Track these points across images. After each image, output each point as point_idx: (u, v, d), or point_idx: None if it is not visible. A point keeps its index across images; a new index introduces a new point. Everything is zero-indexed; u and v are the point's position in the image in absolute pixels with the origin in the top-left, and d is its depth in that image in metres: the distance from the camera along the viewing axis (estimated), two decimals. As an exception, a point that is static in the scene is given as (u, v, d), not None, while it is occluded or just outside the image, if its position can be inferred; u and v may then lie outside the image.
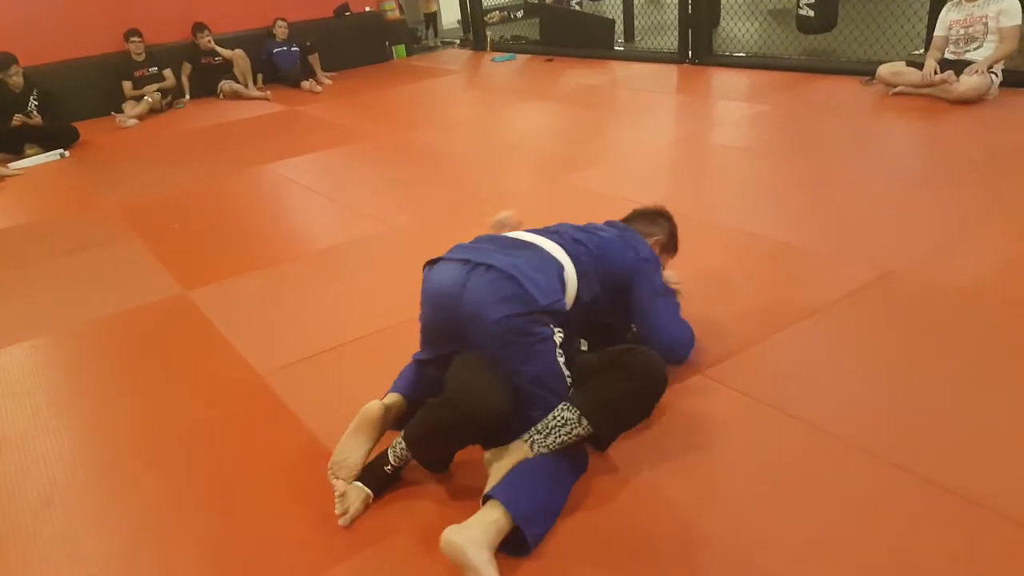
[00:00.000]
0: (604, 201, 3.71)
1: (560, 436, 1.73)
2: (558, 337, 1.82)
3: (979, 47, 4.70)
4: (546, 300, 1.82)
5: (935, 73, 4.74)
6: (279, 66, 7.99)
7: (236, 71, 7.75)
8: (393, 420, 1.96)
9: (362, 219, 3.85)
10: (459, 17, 10.34)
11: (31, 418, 2.40)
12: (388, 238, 3.57)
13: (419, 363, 2.03)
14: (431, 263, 2.01)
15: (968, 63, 4.69)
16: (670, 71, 6.70)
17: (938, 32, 4.91)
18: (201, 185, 4.83)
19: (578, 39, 7.60)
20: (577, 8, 8.43)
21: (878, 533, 1.61)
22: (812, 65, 6.08)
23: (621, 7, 8.04)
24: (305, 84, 7.71)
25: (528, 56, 7.97)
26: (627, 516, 1.72)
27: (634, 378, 1.75)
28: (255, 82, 7.92)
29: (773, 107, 5.19)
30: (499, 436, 1.78)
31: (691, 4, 6.60)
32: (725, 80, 6.21)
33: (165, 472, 2.07)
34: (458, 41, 9.65)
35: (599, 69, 7.15)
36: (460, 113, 6.29)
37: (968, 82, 4.57)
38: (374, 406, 1.91)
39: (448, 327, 1.87)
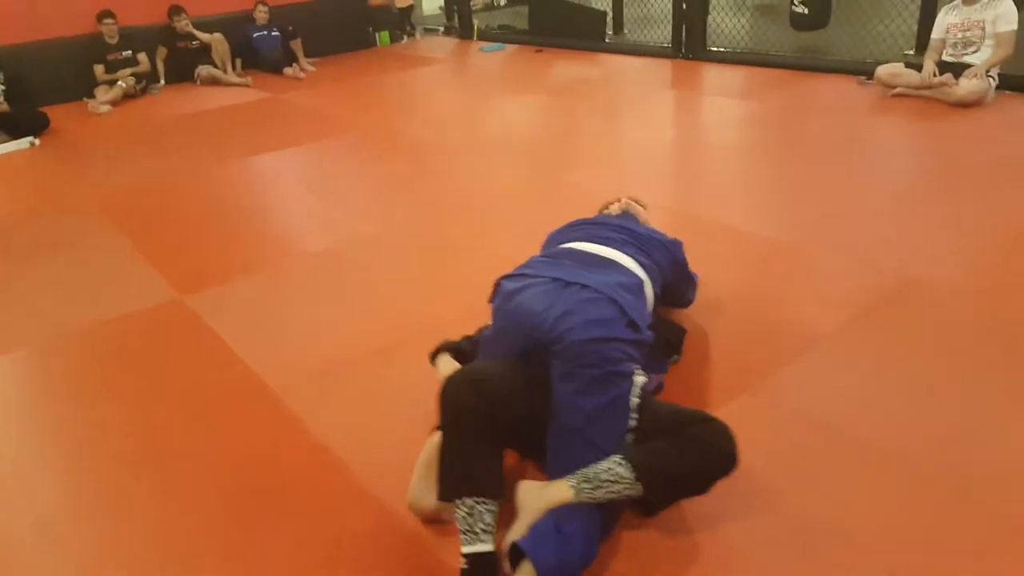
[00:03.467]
0: (601, 200, 3.63)
1: (609, 492, 1.60)
2: (639, 378, 1.73)
3: (976, 51, 4.70)
4: (637, 328, 1.76)
5: (934, 75, 4.73)
6: (260, 51, 7.76)
7: (214, 56, 7.50)
8: None
9: (357, 218, 3.73)
10: (441, 3, 10.16)
11: (17, 446, 2.26)
12: (387, 239, 3.45)
13: None
14: (508, 278, 1.95)
15: (966, 66, 4.68)
16: (663, 65, 6.62)
17: (935, 35, 4.90)
18: (183, 177, 4.64)
19: (568, 30, 7.49)
20: (566, -2, 8.28)
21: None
22: (806, 63, 6.04)
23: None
24: (288, 70, 7.49)
25: (517, 46, 7.83)
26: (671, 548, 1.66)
27: (705, 453, 1.61)
28: (234, 68, 7.68)
29: (772, 105, 5.14)
30: (518, 433, 1.72)
31: (684, -2, 6.54)
32: (720, 76, 6.15)
33: (178, 492, 1.95)
34: (442, 29, 9.47)
35: (591, 61, 7.05)
36: (450, 104, 6.15)
37: (967, 85, 4.57)
38: (438, 440, 1.78)
39: (525, 343, 1.77)
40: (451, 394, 1.66)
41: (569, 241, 2.16)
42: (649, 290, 2.03)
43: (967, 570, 1.57)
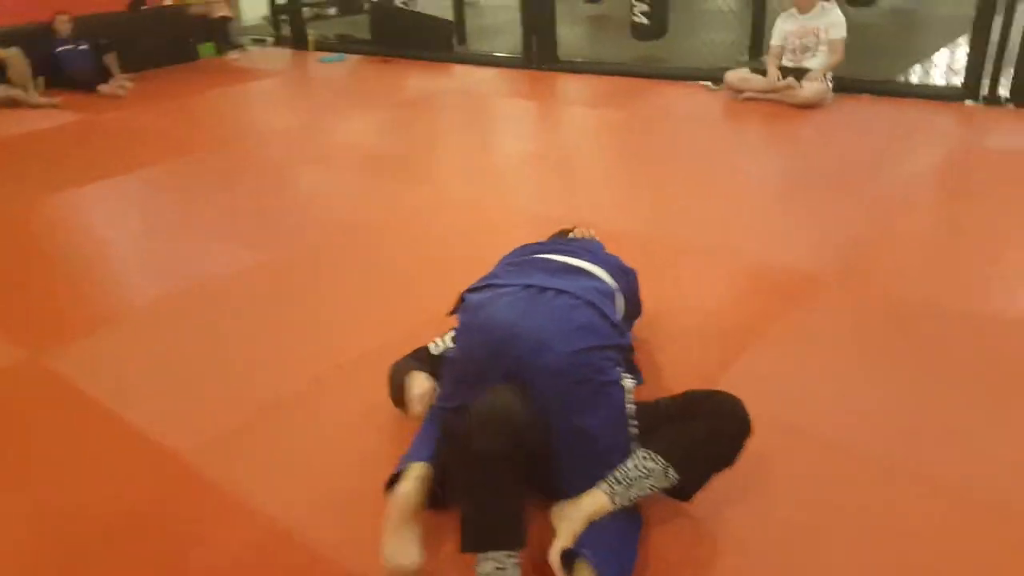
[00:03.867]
0: (469, 214, 3.57)
1: (644, 488, 1.55)
2: (628, 382, 1.65)
3: (813, 56, 5.06)
4: (621, 332, 1.69)
5: (779, 80, 5.05)
6: (65, 67, 6.87)
7: (11, 74, 6.54)
8: (428, 496, 1.63)
9: (221, 250, 3.32)
10: (266, 13, 9.57)
11: None
12: (260, 271, 3.09)
13: (444, 412, 1.74)
14: (474, 290, 1.78)
15: (805, 70, 5.03)
16: (516, 75, 6.60)
17: (775, 41, 5.23)
18: (-2, 215, 3.96)
19: (414, 40, 7.28)
20: (402, 6, 8.05)
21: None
22: (655, 71, 6.24)
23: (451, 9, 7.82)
24: (104, 87, 6.68)
25: (359, 57, 7.51)
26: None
27: (721, 424, 1.59)
28: (36, 87, 6.75)
29: (631, 112, 5.26)
30: (544, 475, 1.59)
31: (527, 7, 6.56)
32: (574, 85, 6.22)
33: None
34: (268, 39, 8.91)
35: (442, 72, 6.90)
36: (297, 119, 5.73)
37: (810, 88, 4.91)
38: (408, 489, 1.58)
39: (502, 363, 1.61)
40: (480, 437, 1.46)
41: (532, 255, 2.01)
42: (620, 301, 1.94)
43: (942, 558, 1.59)
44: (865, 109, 4.93)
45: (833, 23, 4.98)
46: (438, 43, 7.25)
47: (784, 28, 5.18)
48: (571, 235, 2.42)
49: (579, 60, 6.67)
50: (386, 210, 3.69)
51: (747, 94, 5.23)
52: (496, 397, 1.51)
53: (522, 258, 2.01)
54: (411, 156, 4.65)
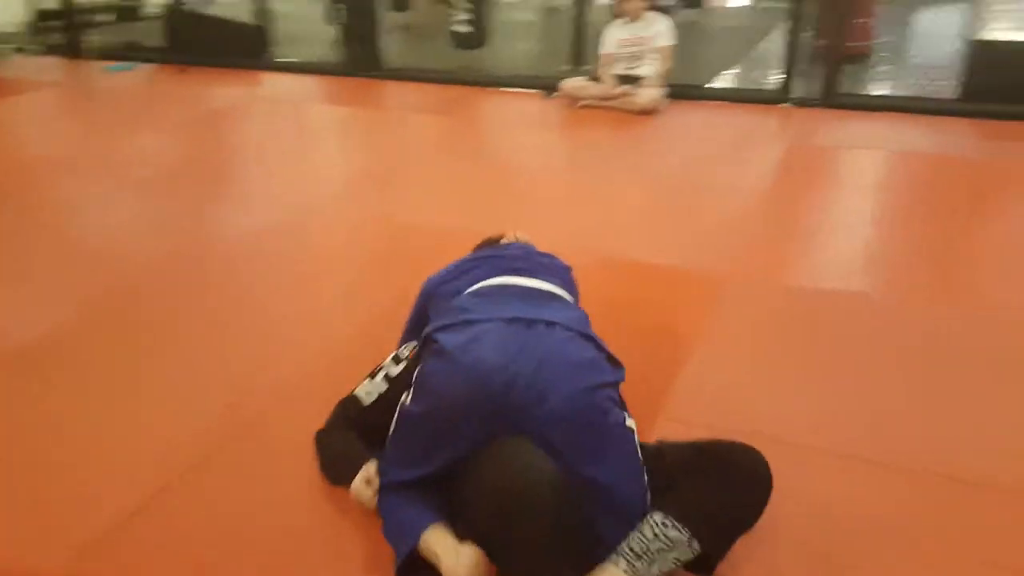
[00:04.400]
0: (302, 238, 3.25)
1: (668, 562, 1.35)
2: (631, 422, 1.44)
3: (645, 64, 5.18)
4: (616, 364, 1.52)
5: (616, 87, 5.12)
6: None
7: None
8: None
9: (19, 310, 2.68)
10: (26, 18, 8.29)
11: None
12: (59, 338, 2.50)
13: (406, 486, 1.47)
14: (444, 328, 1.49)
15: (638, 78, 5.14)
16: (339, 83, 6.19)
17: (607, 50, 5.28)
18: None
19: (220, 47, 6.61)
20: (202, 12, 7.30)
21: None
22: (483, 79, 6.12)
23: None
24: None
25: (154, 66, 6.67)
26: None
27: (746, 485, 1.41)
28: None
29: (466, 118, 5.09)
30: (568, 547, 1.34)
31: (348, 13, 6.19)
32: (403, 93, 5.93)
33: None
34: (37, 47, 7.70)
35: (251, 81, 6.30)
36: (80, 138, 4.92)
37: (646, 95, 5.01)
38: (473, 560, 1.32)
39: (496, 414, 1.38)
40: (523, 520, 1.28)
41: (485, 279, 1.73)
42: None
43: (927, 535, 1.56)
44: (695, 113, 5.13)
45: (661, 32, 5.12)
46: (249, 49, 6.64)
47: (615, 36, 5.26)
48: (503, 242, 2.17)
49: (406, 67, 6.39)
50: (200, 240, 3.21)
51: (584, 102, 5.24)
52: (521, 461, 1.27)
53: (486, 284, 1.72)
54: (224, 173, 4.14)
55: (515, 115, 5.21)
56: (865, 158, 4.16)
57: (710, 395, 2.08)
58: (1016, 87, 4.61)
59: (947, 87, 5.01)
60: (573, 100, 5.29)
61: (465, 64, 6.50)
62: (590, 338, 1.53)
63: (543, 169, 4.14)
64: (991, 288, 2.72)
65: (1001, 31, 4.96)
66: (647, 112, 5.02)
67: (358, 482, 1.56)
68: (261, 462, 1.82)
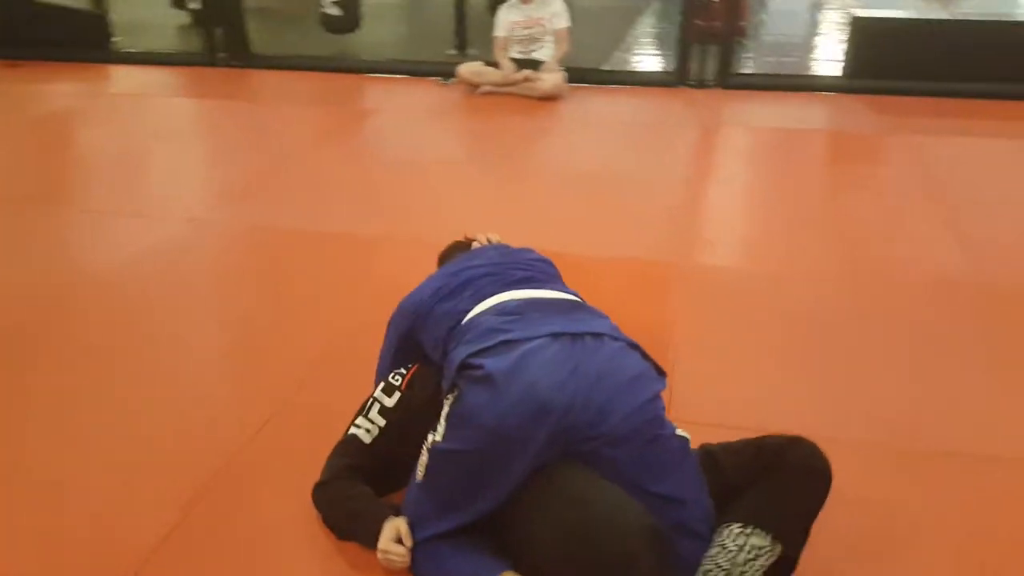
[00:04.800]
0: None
1: (756, 571, 1.29)
2: (683, 432, 1.40)
3: (542, 47, 4.97)
4: (660, 372, 1.44)
5: (516, 72, 4.87)
6: None
7: None
8: None
9: None
10: None
11: None
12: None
13: (447, 536, 1.34)
14: (482, 351, 1.36)
15: (537, 61, 4.93)
16: (199, 75, 5.54)
17: (500, 33, 5.02)
18: None
19: (54, 39, 5.73)
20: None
21: None
22: (368, 66, 5.69)
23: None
24: None
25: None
26: None
27: (808, 476, 1.36)
28: None
29: (353, 112, 4.70)
30: None
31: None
32: (276, 84, 5.39)
33: None
34: None
35: (98, 75, 5.52)
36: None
37: (550, 79, 4.81)
38: None
39: (549, 438, 1.28)
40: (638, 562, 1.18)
41: (494, 294, 1.56)
42: None
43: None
44: (598, 98, 4.99)
45: (556, 13, 4.93)
46: (85, 41, 5.81)
47: (508, 19, 5.00)
48: (475, 246, 1.98)
49: (276, 55, 5.82)
50: (67, 271, 2.72)
51: (484, 88, 4.97)
52: (605, 503, 1.22)
53: (502, 301, 1.53)
54: (75, 188, 3.56)
55: (409, 104, 4.84)
56: (777, 138, 4.18)
57: (707, 392, 2.02)
58: (898, 63, 4.81)
59: (832, 65, 5.17)
60: (472, 86, 5.00)
61: (342, 50, 6.03)
62: (635, 347, 1.44)
63: (451, 163, 3.85)
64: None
65: (879, 8, 5.14)
66: (551, 97, 4.82)
67: (387, 542, 1.38)
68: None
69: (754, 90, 4.98)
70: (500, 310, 1.51)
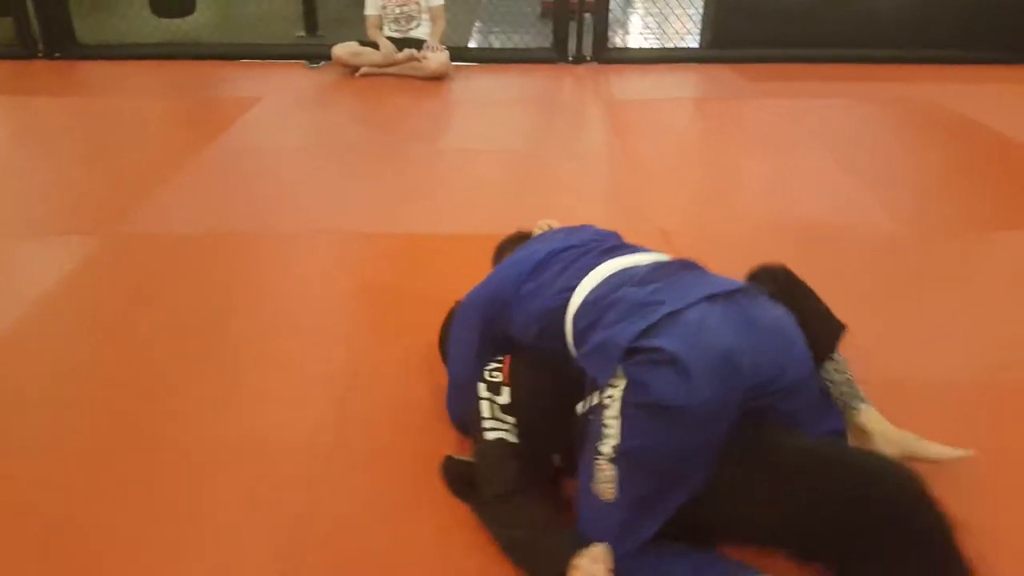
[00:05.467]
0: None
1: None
2: None
3: (419, 25, 4.77)
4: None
5: (397, 52, 4.63)
6: None
7: None
8: None
9: None
10: None
11: None
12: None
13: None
14: (647, 333, 1.24)
15: (415, 40, 4.71)
16: (14, 69, 4.75)
17: (372, 11, 4.75)
18: None
19: None
20: None
21: None
22: (221, 52, 5.15)
23: None
24: None
25: None
26: None
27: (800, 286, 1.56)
28: None
29: (210, 104, 4.23)
30: None
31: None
32: (114, 77, 4.74)
33: None
34: None
35: None
36: None
37: (437, 59, 4.62)
38: None
39: (740, 403, 1.24)
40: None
41: (596, 264, 1.49)
42: None
43: None
44: (484, 76, 4.87)
45: (430, -11, 4.75)
46: None
47: (379, -4, 4.75)
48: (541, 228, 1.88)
49: (108, 44, 5.12)
50: None
51: (364, 70, 4.68)
52: (844, 457, 1.25)
53: (618, 271, 1.45)
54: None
55: (285, 90, 4.43)
56: (668, 107, 4.28)
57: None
58: (755, 32, 5.11)
59: (695, 36, 5.40)
60: (349, 68, 4.69)
61: (184, 35, 5.42)
62: (776, 301, 1.42)
63: (354, 151, 3.56)
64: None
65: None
66: (438, 77, 4.63)
67: (587, 565, 1.18)
68: None
69: (630, 64, 5.10)
70: (630, 280, 1.40)
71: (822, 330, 1.46)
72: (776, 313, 1.36)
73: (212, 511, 1.48)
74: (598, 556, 1.17)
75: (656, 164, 3.42)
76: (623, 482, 1.22)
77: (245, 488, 1.53)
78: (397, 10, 4.72)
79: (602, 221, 1.85)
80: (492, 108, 4.24)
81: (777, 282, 1.48)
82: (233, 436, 1.69)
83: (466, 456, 1.53)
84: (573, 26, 5.09)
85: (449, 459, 1.54)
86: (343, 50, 4.68)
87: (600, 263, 1.48)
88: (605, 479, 1.24)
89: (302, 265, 2.46)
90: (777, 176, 3.25)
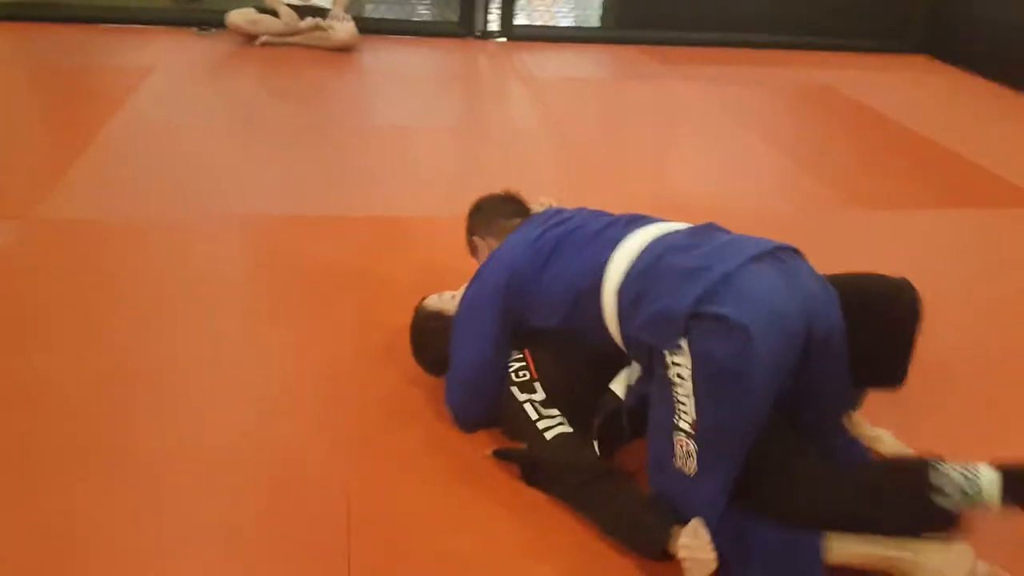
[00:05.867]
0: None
1: None
2: None
3: (321, -9, 4.47)
4: None
5: (300, 20, 4.31)
6: None
7: None
8: None
9: None
10: None
11: None
12: None
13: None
14: (702, 300, 1.23)
15: (318, 8, 4.41)
16: None
17: (265, -24, 4.41)
18: None
19: None
20: None
21: None
22: (77, 14, 4.56)
23: None
24: None
25: None
26: None
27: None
28: None
29: (79, 73, 3.74)
30: None
31: None
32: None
33: None
34: None
35: None
36: None
37: (345, 29, 4.35)
38: None
39: (793, 358, 1.27)
40: None
41: (624, 237, 1.44)
42: None
43: None
44: (394, 50, 4.62)
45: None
46: None
47: (273, -40, 4.39)
48: (542, 205, 1.83)
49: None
50: None
51: (263, 39, 4.31)
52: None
53: (661, 236, 1.42)
54: None
55: (172, 61, 3.98)
56: (596, 88, 4.27)
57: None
58: (660, 14, 5.19)
59: (597, 16, 5.43)
60: (247, 37, 4.32)
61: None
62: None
63: (269, 128, 3.28)
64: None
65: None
66: (346, 49, 4.36)
67: (689, 541, 1.21)
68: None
69: (539, 41, 5.03)
70: (671, 248, 1.37)
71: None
72: (814, 272, 1.37)
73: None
74: (697, 531, 1.21)
75: (596, 145, 3.41)
76: (703, 455, 1.23)
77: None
78: (294, -23, 4.40)
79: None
80: (412, 83, 4.04)
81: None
82: (171, 438, 1.55)
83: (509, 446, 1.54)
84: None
85: (505, 451, 1.51)
86: (240, 17, 4.30)
87: (627, 234, 1.43)
88: (686, 455, 1.25)
89: (237, 250, 2.28)
90: (713, 158, 3.32)
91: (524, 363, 1.57)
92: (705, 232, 1.43)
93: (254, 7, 4.38)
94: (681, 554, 1.21)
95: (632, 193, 2.87)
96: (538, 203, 1.83)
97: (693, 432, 1.23)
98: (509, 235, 1.63)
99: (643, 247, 1.40)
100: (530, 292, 1.51)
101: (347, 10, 4.48)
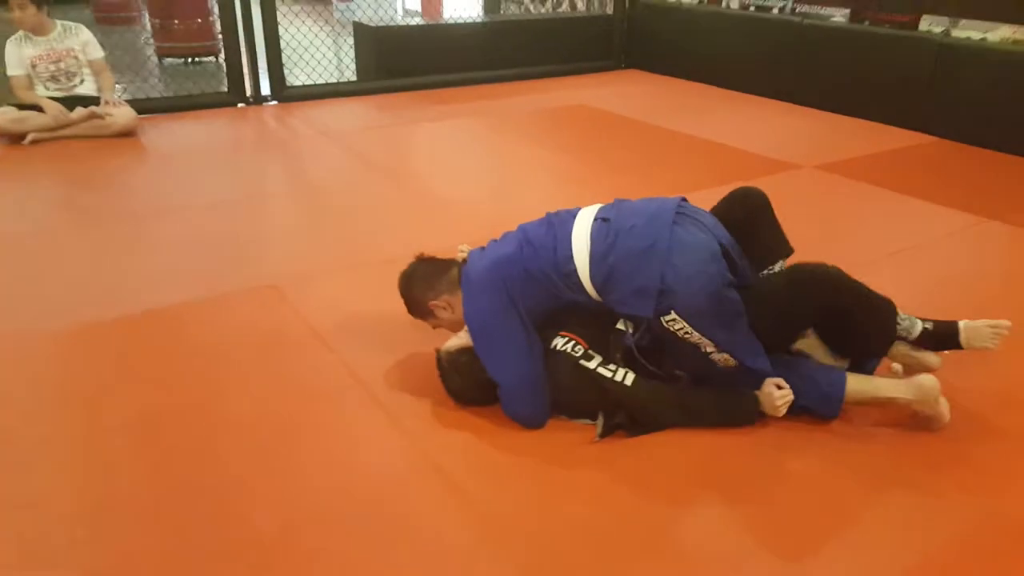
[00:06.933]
0: None
1: None
2: None
3: (82, 81, 4.33)
4: None
5: (69, 112, 4.14)
6: None
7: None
8: None
9: None
10: None
11: None
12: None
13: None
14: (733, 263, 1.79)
15: (83, 97, 4.27)
16: None
17: (16, 71, 4.17)
18: None
19: None
20: None
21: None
22: None
23: None
24: None
25: None
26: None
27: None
28: None
29: None
30: None
31: None
32: None
33: None
34: None
35: None
36: None
37: (124, 114, 4.28)
38: None
39: (726, 265, 1.79)
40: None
41: (573, 219, 1.86)
42: None
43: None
44: (174, 128, 4.58)
45: (87, 42, 4.27)
46: None
47: (22, 54, 4.15)
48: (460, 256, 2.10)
49: None
50: None
51: (32, 136, 4.08)
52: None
53: (609, 226, 1.80)
54: None
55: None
56: (376, 136, 4.57)
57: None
58: (398, 64, 5.67)
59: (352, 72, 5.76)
60: (11, 138, 4.06)
61: None
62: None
63: (62, 228, 3.20)
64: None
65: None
66: (128, 133, 4.28)
67: (774, 393, 1.75)
68: None
69: (310, 100, 5.26)
70: (609, 231, 1.76)
71: (772, 245, 1.97)
72: (700, 208, 1.87)
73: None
74: (775, 382, 1.74)
75: (424, 179, 3.76)
76: (736, 352, 1.73)
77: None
78: (52, 67, 4.22)
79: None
80: (191, 160, 4.03)
81: (749, 199, 1.97)
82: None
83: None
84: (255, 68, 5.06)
85: (606, 427, 1.79)
86: (1, 117, 4.03)
87: (571, 229, 1.80)
88: (724, 360, 1.74)
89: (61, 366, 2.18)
90: (504, 180, 3.84)
91: (571, 340, 1.82)
92: (622, 206, 1.83)
93: (13, 105, 4.14)
94: (777, 402, 1.73)
95: (473, 214, 3.27)
96: (458, 251, 2.06)
97: (719, 349, 1.74)
98: (465, 270, 1.84)
99: (590, 234, 1.76)
100: (526, 291, 1.78)
101: (120, 95, 4.39)
